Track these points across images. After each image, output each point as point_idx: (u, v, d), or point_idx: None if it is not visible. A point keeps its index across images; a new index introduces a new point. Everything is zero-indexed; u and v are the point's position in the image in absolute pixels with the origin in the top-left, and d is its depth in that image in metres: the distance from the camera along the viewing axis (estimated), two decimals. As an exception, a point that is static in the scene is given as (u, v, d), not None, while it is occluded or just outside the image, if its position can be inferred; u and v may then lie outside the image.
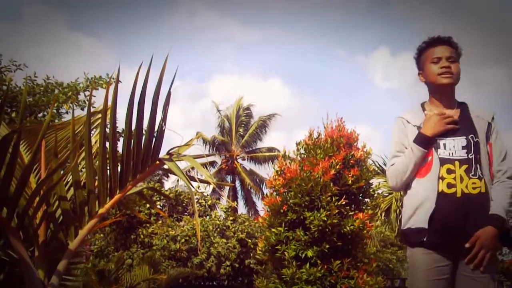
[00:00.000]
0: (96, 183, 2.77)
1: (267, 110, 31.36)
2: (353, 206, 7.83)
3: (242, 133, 31.24)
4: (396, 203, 15.35)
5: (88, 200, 2.76)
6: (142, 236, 17.46)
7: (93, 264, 10.00)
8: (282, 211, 7.60)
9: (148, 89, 2.65)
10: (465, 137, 2.74)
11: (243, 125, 31.44)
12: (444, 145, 2.74)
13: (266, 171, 31.78)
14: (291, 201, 7.50)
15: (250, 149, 31.32)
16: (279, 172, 8.05)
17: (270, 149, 30.95)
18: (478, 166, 2.70)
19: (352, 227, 7.35)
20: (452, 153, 2.71)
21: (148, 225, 17.73)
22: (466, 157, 2.70)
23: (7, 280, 3.31)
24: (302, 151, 8.33)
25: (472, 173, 2.68)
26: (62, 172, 2.77)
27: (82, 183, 2.83)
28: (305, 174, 7.51)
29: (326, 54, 59.63)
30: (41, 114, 9.14)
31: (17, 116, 8.07)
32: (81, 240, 2.79)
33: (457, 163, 2.69)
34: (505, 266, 23.50)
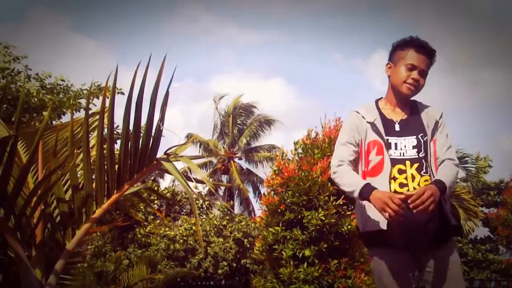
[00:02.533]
0: (94, 184, 2.77)
1: (266, 111, 31.31)
2: (350, 206, 7.84)
3: (238, 133, 31.23)
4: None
5: (86, 200, 2.77)
6: (139, 236, 17.46)
7: (91, 264, 9.99)
8: (279, 210, 7.60)
9: (147, 89, 2.66)
10: (415, 136, 2.75)
11: (240, 124, 31.42)
12: (396, 144, 2.75)
13: (264, 171, 31.78)
14: (288, 200, 7.51)
15: (247, 148, 31.30)
16: (276, 172, 8.05)
17: (268, 149, 30.95)
18: (427, 164, 2.71)
19: (349, 226, 7.36)
20: (403, 153, 2.73)
21: (145, 224, 17.73)
22: (417, 156, 2.72)
23: (5, 280, 3.31)
24: (300, 150, 8.34)
25: (424, 170, 2.70)
26: (60, 172, 2.77)
27: (80, 184, 2.84)
28: (303, 173, 7.51)
29: (325, 57, 59.75)
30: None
31: (31, 119, 8.08)
32: (78, 240, 2.79)
33: (408, 162, 2.70)
34: (502, 266, 23.54)
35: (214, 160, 31.30)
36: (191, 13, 58.02)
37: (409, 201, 2.51)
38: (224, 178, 31.14)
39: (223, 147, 30.84)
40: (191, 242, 17.35)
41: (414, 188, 2.64)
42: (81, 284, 7.34)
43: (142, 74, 2.63)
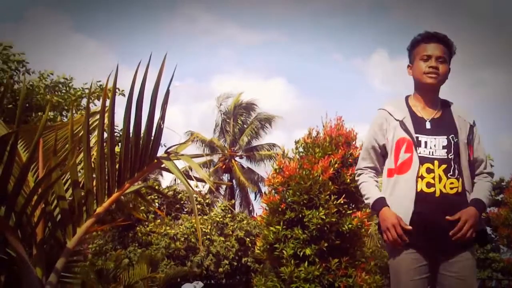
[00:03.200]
0: (94, 182, 2.77)
1: (267, 111, 31.29)
2: (351, 205, 7.84)
3: (239, 131, 31.22)
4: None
5: (86, 199, 2.76)
6: (140, 234, 17.47)
7: (92, 262, 10.00)
8: (280, 209, 7.60)
9: (147, 89, 2.66)
10: (446, 136, 2.73)
11: (241, 123, 31.41)
12: (425, 143, 2.73)
13: (265, 170, 31.80)
14: (289, 199, 7.51)
15: (248, 147, 31.30)
16: (277, 171, 8.05)
17: (269, 148, 30.94)
18: (456, 166, 2.70)
19: (350, 225, 7.36)
20: (432, 152, 2.71)
21: (146, 223, 17.73)
22: (446, 157, 2.70)
23: (5, 279, 3.32)
24: (301, 149, 8.34)
25: (451, 173, 2.69)
26: (60, 171, 2.77)
27: (80, 182, 2.84)
28: (304, 172, 7.51)
29: (325, 57, 59.71)
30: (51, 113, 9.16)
31: (35, 117, 8.09)
32: (79, 239, 2.79)
33: (436, 162, 2.69)
34: (503, 264, 23.53)
35: (215, 159, 31.30)
36: (191, 13, 58.06)
37: (450, 233, 2.60)
38: (225, 177, 31.14)
39: (224, 146, 30.85)
40: (192, 241, 17.36)
41: (441, 191, 2.65)
42: (81, 282, 7.34)
43: (142, 74, 2.63)
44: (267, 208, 7.90)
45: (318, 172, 7.44)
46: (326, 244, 7.27)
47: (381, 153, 2.90)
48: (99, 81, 9.88)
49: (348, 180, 7.67)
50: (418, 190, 2.67)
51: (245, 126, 31.32)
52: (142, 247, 16.96)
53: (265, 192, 8.43)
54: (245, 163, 31.76)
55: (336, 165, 7.61)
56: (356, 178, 3.01)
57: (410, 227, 2.63)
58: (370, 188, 2.88)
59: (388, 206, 2.72)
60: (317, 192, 7.40)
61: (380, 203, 2.75)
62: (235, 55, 59.34)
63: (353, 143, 8.21)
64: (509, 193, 19.41)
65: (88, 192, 2.75)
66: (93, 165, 2.79)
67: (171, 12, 60.70)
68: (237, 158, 31.22)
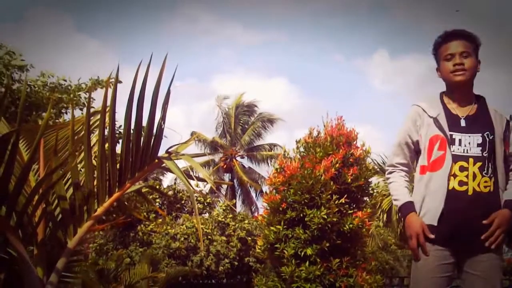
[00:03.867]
0: (95, 182, 2.77)
1: (268, 111, 31.29)
2: (352, 204, 7.83)
3: (241, 131, 31.23)
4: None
5: (87, 198, 2.76)
6: (141, 234, 17.47)
7: (93, 262, 10.00)
8: (281, 208, 7.60)
9: (148, 88, 2.66)
10: (481, 134, 2.70)
11: (242, 123, 31.43)
12: (460, 141, 2.70)
13: (266, 169, 31.80)
14: (290, 198, 7.50)
15: (249, 147, 31.31)
16: (279, 170, 8.05)
17: (270, 148, 30.94)
18: (490, 164, 2.67)
19: (351, 225, 7.36)
20: (467, 150, 2.68)
21: (147, 223, 17.73)
22: (481, 155, 2.67)
23: (6, 278, 3.32)
24: (301, 149, 8.34)
25: (485, 171, 2.65)
26: (61, 171, 2.77)
27: (81, 182, 2.83)
28: (306, 171, 7.50)
29: (326, 57, 59.80)
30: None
31: (34, 116, 8.09)
32: (80, 239, 2.79)
33: (471, 160, 2.66)
34: (504, 265, 23.54)
35: (216, 159, 31.31)
36: (191, 13, 58.17)
37: (482, 237, 2.58)
38: (227, 176, 31.14)
39: (226, 144, 30.86)
40: (193, 240, 17.36)
41: (474, 189, 2.62)
42: (82, 282, 7.35)
43: (143, 74, 2.63)
44: (268, 207, 7.90)
45: (320, 172, 7.43)
46: (327, 244, 7.27)
47: (415, 149, 2.87)
48: (96, 77, 9.86)
49: (349, 180, 7.66)
50: (450, 188, 2.64)
51: (246, 126, 31.33)
52: (143, 247, 16.96)
53: (266, 192, 8.43)
54: (246, 163, 31.78)
55: (337, 165, 7.61)
56: (387, 176, 2.95)
57: (433, 236, 2.61)
58: (399, 189, 2.83)
59: (415, 212, 2.69)
60: (318, 192, 7.40)
61: (408, 207, 2.71)
62: (236, 55, 59.47)
63: (354, 143, 8.20)
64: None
65: (89, 191, 2.75)
66: (94, 165, 2.79)
67: (172, 12, 60.83)
68: (238, 158, 31.23)
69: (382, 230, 18.94)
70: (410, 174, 2.92)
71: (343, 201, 7.44)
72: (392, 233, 18.55)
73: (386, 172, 2.97)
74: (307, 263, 7.23)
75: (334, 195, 7.40)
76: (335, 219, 7.27)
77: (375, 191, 14.04)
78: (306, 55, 58.57)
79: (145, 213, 16.89)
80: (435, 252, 2.68)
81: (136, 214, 3.65)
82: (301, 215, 7.40)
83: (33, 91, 9.07)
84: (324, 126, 8.36)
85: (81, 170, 2.95)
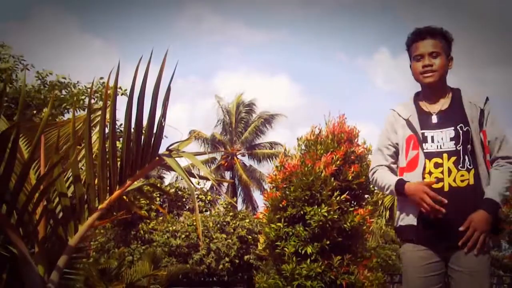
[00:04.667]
0: (96, 180, 2.76)
1: (271, 109, 31.29)
2: (353, 202, 7.83)
3: (242, 129, 31.23)
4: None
5: (88, 196, 2.76)
6: (142, 232, 17.48)
7: (95, 260, 10.01)
8: (281, 206, 7.60)
9: (150, 85, 2.65)
10: (453, 127, 2.68)
11: (243, 121, 31.43)
12: (432, 138, 2.70)
13: (267, 168, 31.81)
14: (291, 195, 7.49)
15: (251, 145, 31.30)
16: (279, 168, 8.05)
17: (271, 146, 30.94)
18: (466, 157, 2.65)
19: (352, 223, 7.35)
20: (441, 146, 2.67)
21: (148, 221, 17.74)
22: (455, 149, 2.65)
23: (7, 276, 3.31)
24: (303, 147, 8.34)
25: (461, 165, 2.63)
26: (62, 168, 2.76)
27: (82, 180, 2.83)
28: (306, 168, 7.49)
29: (329, 56, 59.90)
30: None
31: (33, 115, 8.09)
32: (81, 236, 2.79)
33: (445, 155, 2.65)
34: (505, 261, 23.53)
35: (218, 157, 31.32)
36: (196, 13, 58.21)
37: (459, 243, 2.56)
38: (227, 175, 31.15)
39: (226, 141, 30.86)
40: (194, 238, 17.37)
41: (450, 184, 2.61)
42: (84, 280, 7.35)
43: (142, 70, 2.62)
44: (268, 205, 7.89)
45: (320, 168, 7.42)
46: (328, 242, 7.26)
47: (395, 152, 2.88)
48: (102, 78, 9.87)
49: (350, 177, 7.66)
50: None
51: (247, 124, 31.33)
52: (144, 245, 16.97)
53: (266, 189, 8.42)
54: (247, 161, 31.79)
55: (338, 162, 7.60)
56: (371, 177, 2.95)
57: (434, 180, 2.59)
58: (385, 175, 2.84)
59: (408, 181, 2.67)
60: (319, 188, 7.39)
61: (401, 182, 2.69)
62: (239, 54, 59.55)
63: (356, 140, 8.21)
64: (511, 190, 19.34)
65: (90, 189, 2.75)
66: (94, 162, 2.78)
67: (176, 12, 60.86)
68: (239, 156, 31.23)
69: (384, 227, 18.93)
70: (393, 173, 2.92)
71: (344, 198, 7.43)
72: (391, 229, 18.57)
73: (370, 176, 2.97)
74: (308, 260, 7.23)
75: (335, 192, 7.40)
76: (335, 217, 7.26)
77: (376, 188, 14.03)
78: (308, 53, 58.72)
79: (145, 211, 16.90)
80: (419, 253, 2.68)
81: (137, 211, 3.64)
82: (302, 212, 7.40)
83: (32, 91, 9.07)
84: (326, 124, 8.37)
85: (81, 168, 2.95)
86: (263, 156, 30.92)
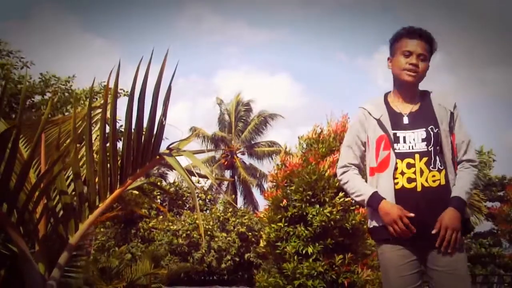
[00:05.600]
0: (96, 179, 2.76)
1: (270, 109, 31.31)
2: (354, 200, 7.81)
3: (242, 128, 31.24)
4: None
5: (89, 194, 2.76)
6: (142, 231, 17.50)
7: (95, 259, 10.01)
8: (282, 205, 7.58)
9: (151, 85, 2.65)
10: (424, 129, 2.69)
11: (243, 120, 31.44)
12: (404, 138, 2.70)
13: (267, 166, 31.83)
14: (293, 195, 7.46)
15: (250, 143, 31.31)
16: (280, 166, 8.04)
17: (271, 144, 30.95)
18: (437, 158, 2.67)
19: (353, 221, 7.34)
20: (412, 146, 2.68)
21: (148, 219, 17.75)
22: (426, 150, 2.66)
23: (8, 274, 3.31)
24: (304, 145, 8.32)
25: (432, 165, 2.65)
26: (62, 165, 2.76)
27: (82, 178, 2.82)
28: (310, 166, 7.46)
29: (330, 55, 59.97)
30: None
31: (32, 114, 8.08)
32: (81, 235, 2.79)
33: (417, 156, 2.66)
34: (505, 260, 23.54)
35: (217, 156, 31.33)
36: (197, 13, 58.29)
37: (436, 244, 2.57)
38: (228, 173, 31.17)
39: (227, 138, 30.87)
40: (194, 236, 17.39)
41: (422, 184, 2.61)
42: (84, 278, 7.35)
43: (143, 70, 2.61)
44: (269, 204, 7.88)
45: (324, 168, 7.40)
46: (332, 241, 7.25)
47: (364, 151, 2.87)
48: (104, 81, 9.87)
49: (351, 176, 7.63)
50: (399, 186, 2.64)
51: (247, 123, 31.34)
52: (144, 243, 16.99)
53: (267, 188, 8.42)
54: (247, 159, 31.79)
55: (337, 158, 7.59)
56: (340, 177, 2.90)
57: (412, 214, 2.57)
58: (359, 184, 2.80)
59: (385, 199, 2.64)
60: (321, 188, 7.38)
61: (377, 198, 2.67)
62: (240, 53, 59.65)
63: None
64: (511, 190, 19.37)
65: (90, 187, 2.74)
66: (96, 160, 2.78)
67: (177, 12, 60.91)
68: (239, 155, 31.24)
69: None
70: (361, 173, 2.90)
71: (347, 199, 7.40)
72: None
73: (338, 174, 2.91)
74: (310, 259, 7.22)
75: (339, 193, 7.38)
76: (338, 217, 7.25)
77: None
78: (309, 53, 58.79)
79: (146, 210, 16.92)
80: (397, 252, 2.67)
81: (138, 210, 3.63)
82: (304, 212, 7.37)
83: (34, 85, 9.05)
84: (328, 123, 8.36)
85: (81, 167, 2.94)
86: (263, 155, 30.95)
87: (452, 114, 2.76)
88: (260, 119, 31.13)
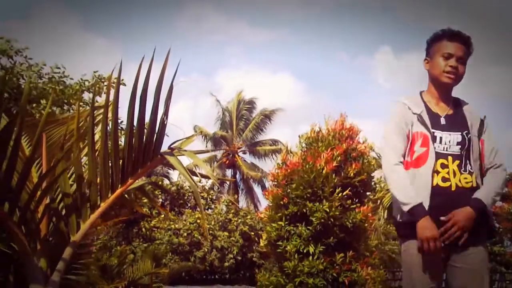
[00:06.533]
0: (98, 179, 2.76)
1: (272, 107, 31.27)
2: (355, 199, 7.82)
3: (243, 127, 31.22)
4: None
5: (90, 194, 2.76)
6: (144, 230, 17.51)
7: (96, 258, 10.01)
8: (282, 203, 7.60)
9: (153, 84, 2.65)
10: (460, 133, 2.76)
11: (244, 119, 31.42)
12: (441, 138, 2.75)
13: (268, 165, 31.82)
14: (293, 193, 7.48)
15: (251, 142, 31.29)
16: (281, 165, 8.06)
17: (273, 143, 30.93)
18: (468, 162, 2.73)
19: (354, 220, 7.35)
20: (447, 148, 2.73)
21: (150, 219, 17.77)
22: (459, 153, 2.73)
23: (10, 274, 3.32)
24: (303, 144, 8.34)
25: (463, 168, 2.71)
26: (64, 165, 2.76)
27: (84, 177, 2.83)
28: (307, 165, 7.49)
29: (331, 55, 60.04)
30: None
31: (31, 108, 8.05)
32: (83, 234, 2.79)
33: (450, 158, 2.71)
34: (507, 258, 23.52)
35: (219, 155, 31.32)
36: (199, 13, 58.35)
37: (439, 230, 2.59)
38: (229, 172, 31.16)
39: (229, 136, 30.85)
40: (196, 235, 17.40)
41: (456, 185, 2.67)
42: (85, 278, 7.35)
43: (145, 69, 2.62)
44: (270, 203, 7.89)
45: (321, 165, 7.42)
46: (335, 240, 7.26)
47: (406, 146, 2.82)
48: (96, 71, 9.81)
49: (352, 174, 7.65)
50: (434, 184, 2.68)
51: (248, 121, 31.33)
52: (146, 242, 17.00)
53: (268, 188, 8.43)
54: (248, 158, 31.78)
55: (339, 158, 7.60)
56: (393, 168, 2.77)
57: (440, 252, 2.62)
58: (408, 188, 2.71)
59: (428, 215, 2.62)
60: (320, 185, 7.39)
61: (422, 211, 2.63)
62: (242, 53, 59.73)
63: (357, 138, 8.21)
64: (512, 187, 19.37)
65: (92, 186, 2.75)
66: (97, 160, 2.78)
67: (179, 11, 60.95)
68: (240, 154, 31.23)
69: (384, 224, 18.98)
70: None
71: (346, 194, 7.41)
72: (392, 226, 18.62)
73: (392, 164, 2.79)
74: (311, 257, 7.23)
75: (337, 189, 7.39)
76: (337, 213, 7.26)
77: (377, 186, 14.07)
78: (309, 53, 58.81)
79: (148, 210, 16.92)
80: None
81: (139, 209, 3.64)
82: (304, 210, 7.39)
83: (33, 82, 9.01)
84: (325, 121, 8.37)
85: (84, 166, 2.95)
86: (264, 153, 30.93)
87: (482, 121, 2.84)
88: (260, 117, 31.11)
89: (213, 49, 58.00)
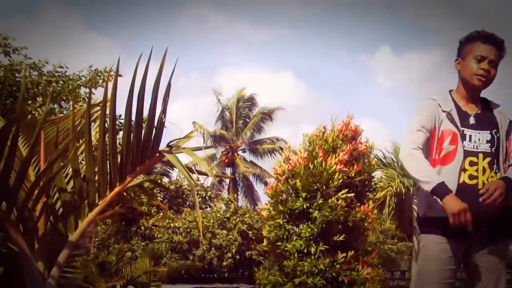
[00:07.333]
0: (96, 176, 2.75)
1: (273, 105, 31.26)
2: (355, 199, 7.83)
3: (242, 125, 31.21)
4: (391, 199, 15.51)
5: (88, 192, 2.74)
6: (143, 228, 17.50)
7: (94, 256, 9.99)
8: (282, 198, 7.58)
9: (151, 82, 2.63)
10: (489, 131, 2.78)
11: (244, 117, 31.41)
12: (470, 136, 2.76)
13: (268, 164, 31.82)
14: (298, 184, 7.45)
15: (251, 140, 31.28)
16: (284, 161, 8.05)
17: (272, 142, 30.92)
18: (496, 160, 2.75)
19: (354, 219, 7.36)
20: (477, 146, 2.75)
21: (148, 217, 17.76)
22: (490, 151, 2.75)
23: (7, 272, 3.31)
24: (307, 143, 8.34)
25: (493, 166, 2.74)
26: (61, 163, 2.75)
27: (82, 175, 2.81)
28: (317, 160, 7.46)
29: (332, 54, 60.08)
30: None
31: (28, 106, 8.01)
32: (81, 232, 2.78)
33: (481, 155, 2.73)
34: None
35: (218, 153, 31.31)
36: (201, 12, 58.38)
37: (480, 199, 2.57)
38: (228, 171, 31.14)
39: (228, 135, 30.84)
40: (194, 234, 17.41)
41: (483, 183, 2.67)
42: (83, 276, 7.34)
43: (142, 66, 2.60)
44: (270, 200, 7.88)
45: (331, 164, 7.43)
46: (338, 238, 7.26)
47: (429, 138, 2.84)
48: (91, 65, 9.75)
49: (353, 174, 7.67)
50: (461, 181, 2.69)
51: (247, 119, 31.32)
52: (145, 241, 17.00)
53: (269, 184, 8.41)
54: (248, 156, 31.77)
55: (346, 157, 7.65)
56: (411, 152, 2.78)
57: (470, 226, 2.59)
58: (428, 169, 2.73)
59: (452, 192, 2.63)
60: (325, 182, 7.39)
61: (445, 188, 2.63)
62: (243, 52, 59.80)
63: (359, 138, 8.26)
64: None
65: (90, 185, 2.73)
66: (94, 154, 2.77)
67: (180, 10, 60.97)
68: (240, 152, 31.22)
69: (383, 223, 19.02)
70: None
71: (350, 197, 7.44)
72: (391, 225, 18.65)
73: (404, 153, 2.83)
74: (312, 256, 7.22)
75: (342, 189, 7.41)
76: (341, 212, 7.27)
77: (377, 185, 14.10)
78: (310, 52, 58.85)
79: (146, 208, 16.90)
80: (441, 245, 2.71)
81: (138, 207, 3.63)
82: (305, 206, 7.35)
83: (33, 81, 8.96)
84: (332, 123, 8.40)
85: (81, 162, 2.93)
86: (264, 152, 30.91)
87: (511, 122, 2.85)
88: (260, 116, 31.09)
89: (214, 48, 58.05)
